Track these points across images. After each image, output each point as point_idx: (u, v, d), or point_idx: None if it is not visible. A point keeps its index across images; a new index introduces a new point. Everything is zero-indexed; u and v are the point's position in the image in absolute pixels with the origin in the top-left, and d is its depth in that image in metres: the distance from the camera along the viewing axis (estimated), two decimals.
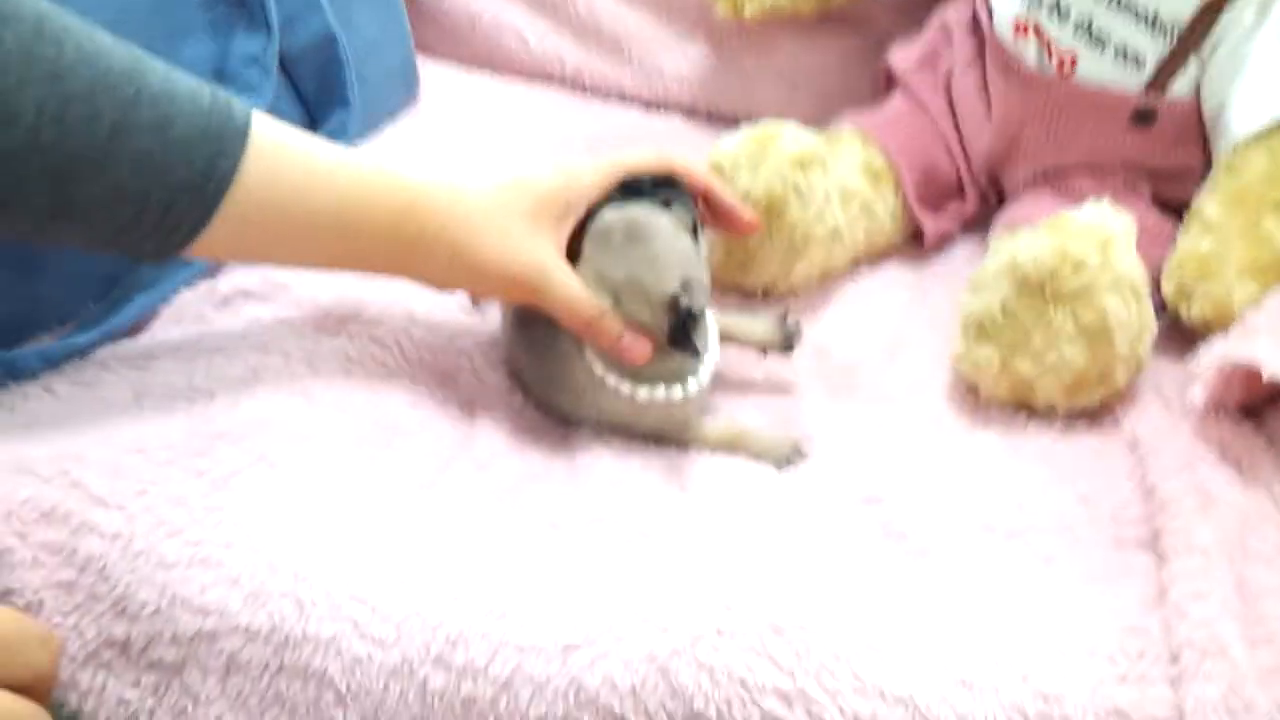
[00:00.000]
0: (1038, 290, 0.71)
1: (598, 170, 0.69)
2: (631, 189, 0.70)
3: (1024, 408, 0.75)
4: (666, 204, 0.69)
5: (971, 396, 0.77)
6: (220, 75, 0.78)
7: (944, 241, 0.94)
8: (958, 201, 0.94)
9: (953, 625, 0.58)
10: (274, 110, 0.81)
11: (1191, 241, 0.77)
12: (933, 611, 0.59)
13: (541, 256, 0.66)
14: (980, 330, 0.74)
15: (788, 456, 0.71)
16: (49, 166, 0.54)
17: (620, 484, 0.66)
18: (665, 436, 0.70)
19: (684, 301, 0.65)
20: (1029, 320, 0.72)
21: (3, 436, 0.60)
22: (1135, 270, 0.72)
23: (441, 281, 0.68)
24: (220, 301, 0.73)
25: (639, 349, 0.65)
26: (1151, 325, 0.73)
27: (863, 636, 0.56)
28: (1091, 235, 0.72)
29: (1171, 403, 0.74)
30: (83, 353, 0.70)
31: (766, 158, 0.81)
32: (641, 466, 0.68)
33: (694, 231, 0.69)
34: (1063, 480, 0.69)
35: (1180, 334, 0.78)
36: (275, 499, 0.60)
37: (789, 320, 0.76)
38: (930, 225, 0.92)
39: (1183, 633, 0.57)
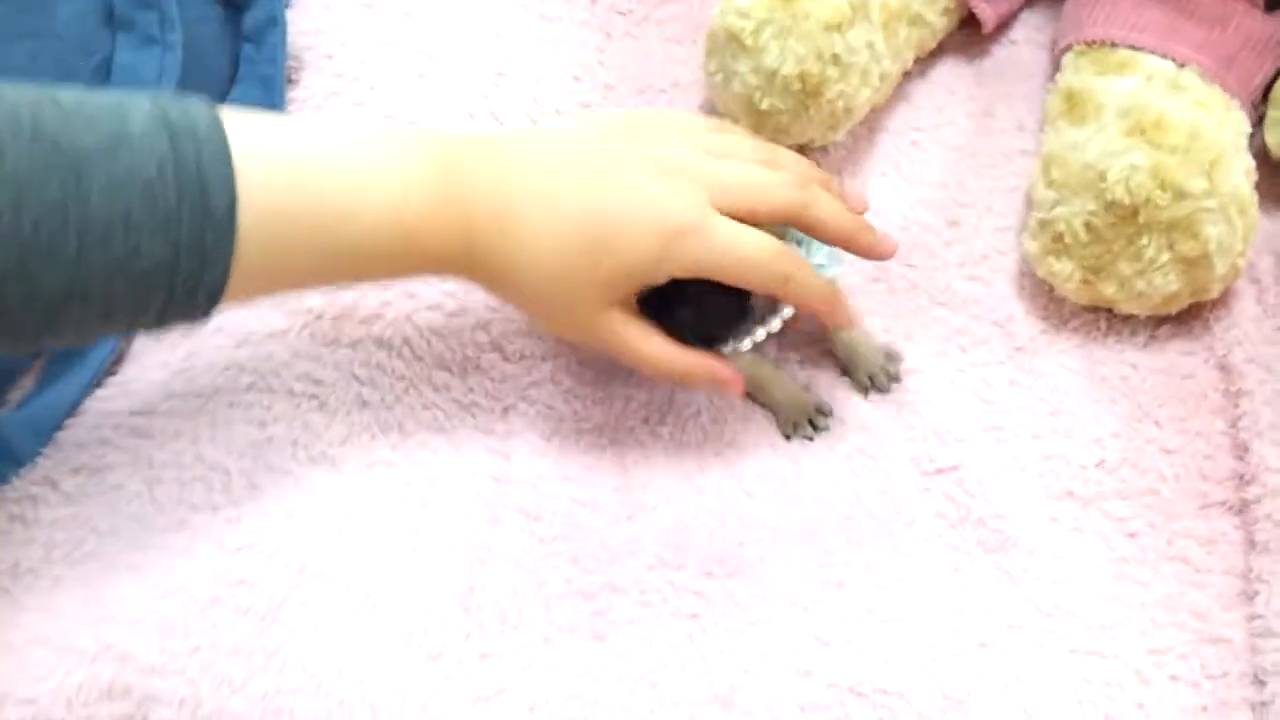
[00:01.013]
0: (1129, 215, 0.63)
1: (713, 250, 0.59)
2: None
3: (1102, 308, 0.68)
4: None
5: (1043, 287, 0.70)
6: (111, 22, 0.63)
7: (1005, 22, 0.80)
8: None
9: (1025, 649, 0.59)
10: (190, 21, 0.68)
11: None
12: (1004, 632, 0.60)
13: (613, 329, 0.60)
14: (1057, 240, 0.66)
15: (798, 422, 0.67)
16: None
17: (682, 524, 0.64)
18: None
19: None
20: (1117, 245, 0.64)
21: (31, 583, 0.57)
22: (1245, 187, 0.62)
23: None
24: None
25: (732, 390, 0.62)
26: (1255, 230, 0.64)
27: (944, 691, 0.57)
28: (1197, 151, 0.62)
29: (1268, 296, 0.67)
30: (72, 407, 0.64)
31: (794, 22, 0.67)
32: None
33: None
34: (1146, 418, 0.66)
35: None
36: (329, 624, 0.58)
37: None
38: (988, 12, 0.78)
39: (1271, 657, 0.56)
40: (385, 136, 0.59)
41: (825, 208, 0.61)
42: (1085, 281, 0.67)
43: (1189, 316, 0.68)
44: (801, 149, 0.76)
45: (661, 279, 0.59)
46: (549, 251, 0.58)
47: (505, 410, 0.68)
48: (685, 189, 0.59)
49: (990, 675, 0.57)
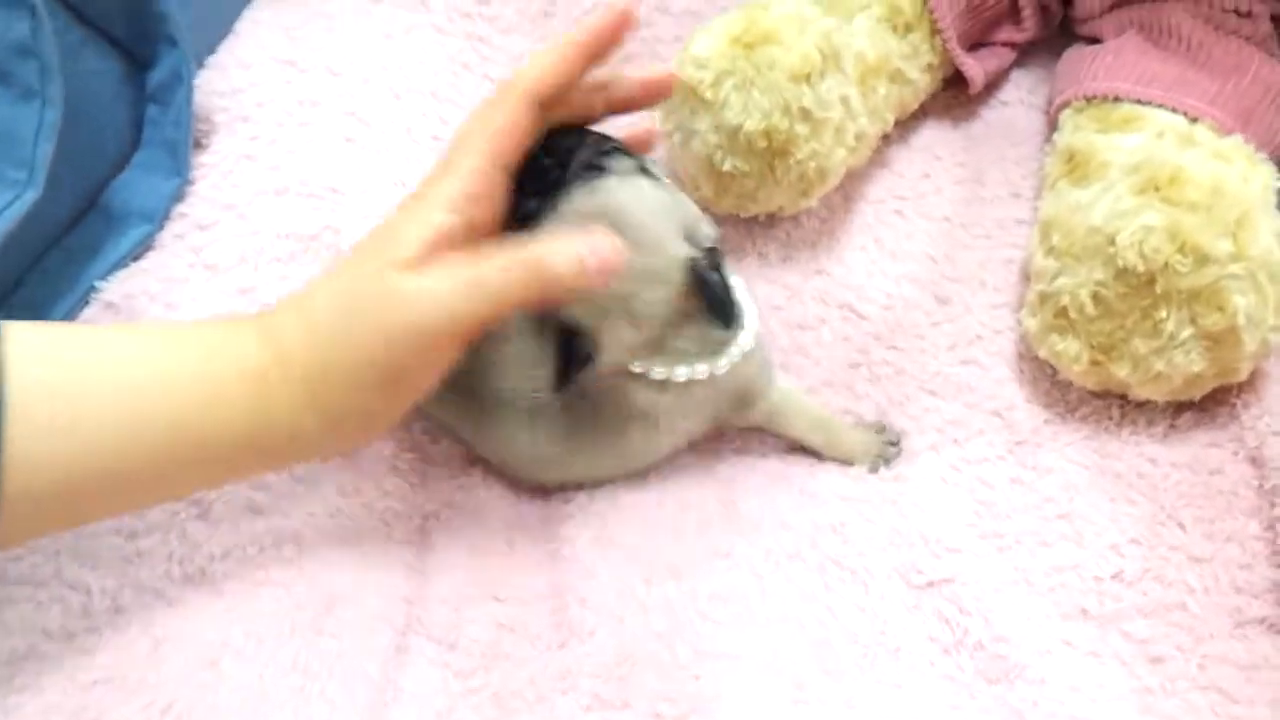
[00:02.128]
0: (1144, 284, 0.54)
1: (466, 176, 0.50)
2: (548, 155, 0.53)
3: (1114, 394, 0.60)
4: (603, 157, 0.53)
5: (1046, 371, 0.61)
6: None
7: (994, 80, 0.72)
8: (1010, 26, 0.72)
9: None
10: (83, 75, 0.60)
11: None
12: None
13: (426, 306, 0.48)
14: (1060, 316, 0.58)
15: (881, 454, 0.61)
16: None
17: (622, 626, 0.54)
18: (729, 424, 0.60)
19: (701, 258, 0.52)
20: (1131, 319, 0.56)
21: None
22: (1275, 249, 0.54)
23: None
24: None
25: (605, 252, 0.49)
26: None
27: None
28: (1220, 210, 0.54)
29: None
30: None
31: (758, 73, 0.59)
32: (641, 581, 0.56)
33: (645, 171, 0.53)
34: (1169, 520, 0.57)
35: None
36: None
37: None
38: (976, 69, 0.70)
39: None
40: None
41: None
42: (1094, 363, 0.58)
43: (1214, 402, 0.60)
44: (771, 218, 0.68)
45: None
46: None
47: (425, 518, 0.59)
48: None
49: None
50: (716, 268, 0.52)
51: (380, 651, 0.53)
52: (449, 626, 0.55)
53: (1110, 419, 0.61)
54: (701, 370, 0.55)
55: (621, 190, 0.51)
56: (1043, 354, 0.60)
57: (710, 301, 0.52)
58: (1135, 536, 0.57)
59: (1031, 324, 0.60)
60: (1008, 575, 0.56)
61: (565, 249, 0.48)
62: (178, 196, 0.66)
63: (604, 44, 0.54)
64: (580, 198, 0.51)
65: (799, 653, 0.55)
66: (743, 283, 0.57)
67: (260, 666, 0.52)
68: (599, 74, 0.55)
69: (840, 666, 0.54)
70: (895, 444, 0.61)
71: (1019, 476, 0.59)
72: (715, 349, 0.55)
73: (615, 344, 0.52)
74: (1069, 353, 0.58)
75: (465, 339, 0.49)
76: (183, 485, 0.51)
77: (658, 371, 0.54)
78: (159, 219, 0.66)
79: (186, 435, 0.47)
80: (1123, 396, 0.60)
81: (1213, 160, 0.57)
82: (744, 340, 0.55)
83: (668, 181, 0.54)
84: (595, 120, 0.55)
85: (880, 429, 0.61)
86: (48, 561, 0.54)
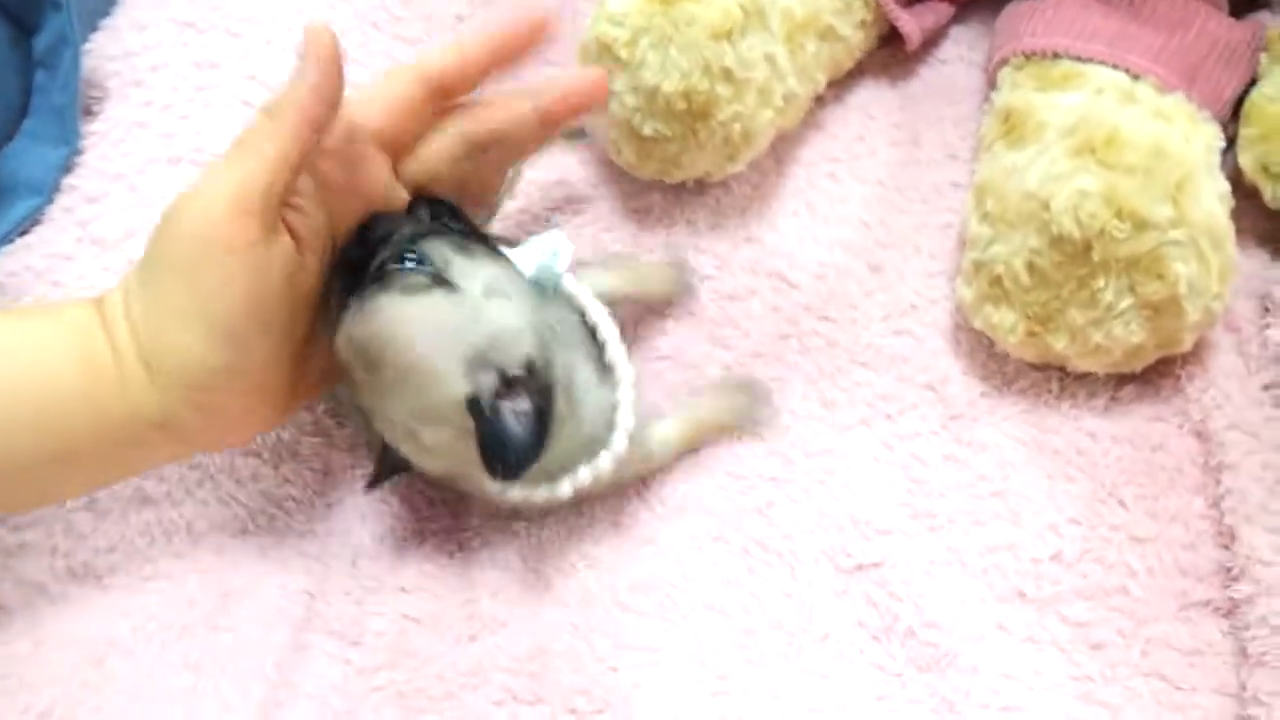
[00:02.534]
0: (1080, 252, 0.52)
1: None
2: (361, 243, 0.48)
3: (1054, 365, 0.57)
4: (401, 261, 0.47)
5: (982, 342, 0.58)
6: None
7: (933, 37, 0.69)
8: None
9: None
10: None
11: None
12: None
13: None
14: (995, 285, 0.55)
15: (751, 416, 0.57)
16: None
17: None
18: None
19: (488, 396, 0.45)
20: (1067, 289, 0.54)
21: None
22: (1218, 213, 0.52)
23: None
24: None
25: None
26: (1233, 268, 0.53)
27: None
28: (1160, 173, 0.51)
29: (1250, 346, 0.56)
30: None
31: (676, 30, 0.56)
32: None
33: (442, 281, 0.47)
34: (1109, 498, 0.54)
35: (1261, 214, 0.59)
36: None
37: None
38: (912, 25, 0.67)
39: None
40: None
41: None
42: (1030, 334, 0.55)
43: (1156, 375, 0.57)
44: (699, 183, 0.65)
45: None
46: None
47: (329, 507, 0.56)
48: None
49: None
50: (539, 391, 0.46)
51: (277, 648, 0.51)
52: (351, 621, 0.52)
53: (1049, 392, 0.58)
54: (561, 489, 0.49)
55: (396, 312, 0.45)
56: (978, 325, 0.58)
57: (484, 450, 0.45)
58: (1074, 516, 0.54)
59: (966, 293, 0.58)
60: (940, 557, 0.54)
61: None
62: (66, 167, 0.63)
63: (513, 46, 0.53)
64: (352, 320, 0.46)
65: (722, 642, 0.52)
66: (624, 357, 0.52)
67: (149, 665, 0.50)
68: (531, 81, 0.55)
69: (765, 655, 0.52)
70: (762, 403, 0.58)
71: (953, 453, 0.57)
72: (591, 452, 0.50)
73: (425, 464, 0.48)
74: (1005, 324, 0.56)
75: (252, 234, 0.45)
76: (53, 486, 0.47)
77: (513, 494, 0.49)
78: (48, 191, 0.63)
79: (33, 431, 0.44)
80: (1062, 368, 0.58)
81: (1153, 120, 0.54)
82: (603, 463, 0.50)
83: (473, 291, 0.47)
84: (528, 135, 0.54)
85: (747, 388, 0.58)
86: None
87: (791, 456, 0.57)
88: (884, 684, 0.51)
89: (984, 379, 0.59)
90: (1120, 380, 0.58)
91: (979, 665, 0.51)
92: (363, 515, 0.55)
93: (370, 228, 0.48)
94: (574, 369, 0.49)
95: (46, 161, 0.63)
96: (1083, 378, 0.58)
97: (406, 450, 0.47)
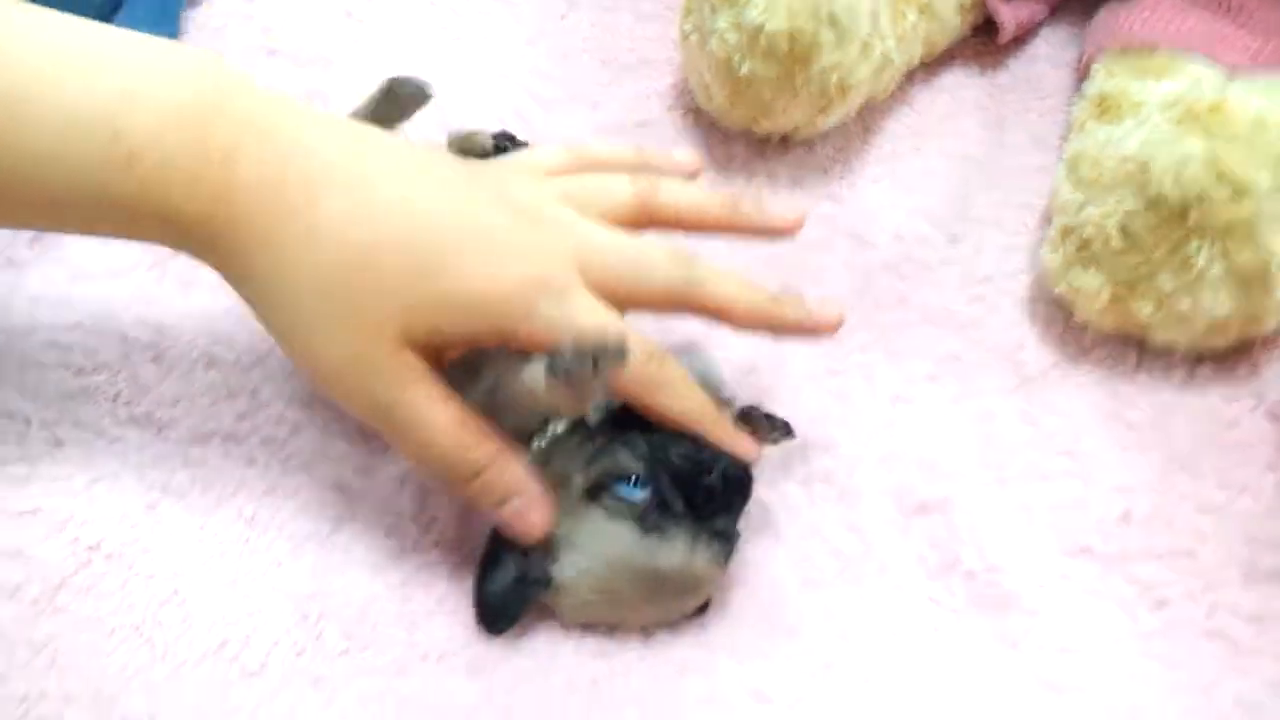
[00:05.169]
0: (1177, 215, 0.53)
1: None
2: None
3: (1133, 338, 0.58)
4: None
5: (1059, 315, 0.59)
6: None
7: (1025, 33, 0.72)
8: None
9: None
10: None
11: None
12: (998, 709, 0.48)
13: (402, 379, 0.45)
14: (1084, 248, 0.56)
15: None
16: None
17: None
18: None
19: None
20: (1159, 252, 0.55)
21: None
22: None
23: None
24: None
25: (534, 518, 0.47)
26: None
27: None
28: (1262, 143, 0.52)
29: None
30: None
31: None
32: None
33: None
34: (1182, 469, 0.55)
35: None
36: (117, 619, 0.46)
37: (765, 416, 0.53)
38: (1007, 15, 0.70)
39: None
40: (120, 35, 0.44)
41: (721, 286, 0.50)
42: (1115, 299, 0.57)
43: (1234, 357, 0.58)
44: (785, 140, 0.67)
45: (480, 337, 0.46)
46: (343, 247, 0.43)
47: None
48: (554, 240, 0.47)
49: None
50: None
51: (333, 517, 0.51)
52: (410, 497, 0.52)
53: (1126, 363, 0.59)
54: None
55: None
56: (1060, 291, 0.59)
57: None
58: (1145, 480, 0.55)
59: (1051, 259, 0.59)
60: (1007, 507, 0.54)
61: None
62: None
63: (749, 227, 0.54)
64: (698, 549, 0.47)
65: (777, 565, 0.52)
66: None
67: (202, 514, 0.50)
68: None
69: (821, 579, 0.52)
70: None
71: (1025, 412, 0.58)
72: None
73: None
74: (1090, 288, 0.57)
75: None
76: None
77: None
78: None
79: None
80: (1140, 342, 0.59)
81: (1260, 95, 0.56)
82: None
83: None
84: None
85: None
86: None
87: (857, 401, 0.58)
88: (940, 618, 0.51)
89: (1059, 348, 0.60)
90: (1197, 359, 0.59)
91: (1039, 609, 0.51)
92: None
93: (746, 478, 0.48)
94: None
95: None
96: (1161, 354, 0.59)
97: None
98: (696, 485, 0.46)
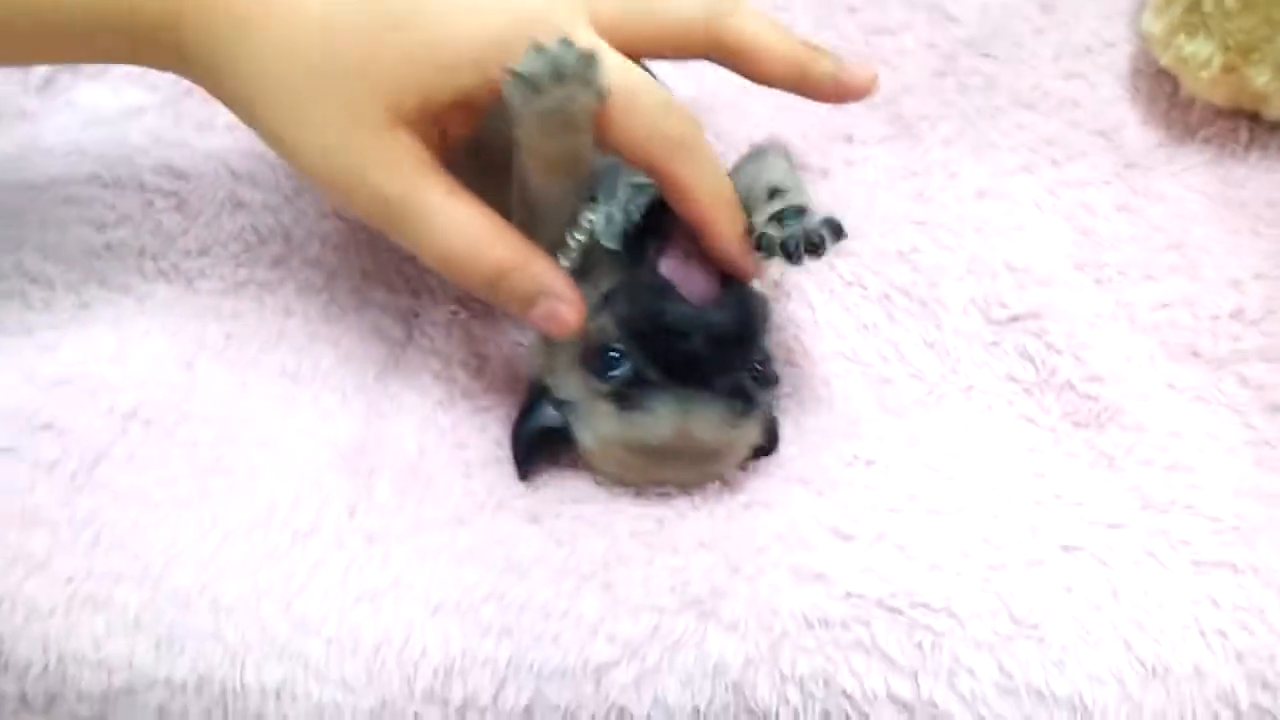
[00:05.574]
0: None
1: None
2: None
3: (1244, 113, 0.52)
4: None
5: (1164, 90, 0.53)
6: None
7: None
8: None
9: (1129, 556, 0.43)
10: None
11: None
12: (1100, 533, 0.44)
13: (400, 164, 0.41)
14: (1193, 10, 0.50)
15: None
16: None
17: None
18: None
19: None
20: (1278, 11, 0.47)
21: None
22: None
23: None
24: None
25: (566, 316, 0.42)
26: None
27: (1011, 611, 0.41)
28: None
29: None
30: None
31: None
32: None
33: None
34: None
35: None
36: (160, 490, 0.44)
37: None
38: None
39: None
40: None
41: (751, 22, 0.44)
42: (1228, 68, 0.50)
43: None
44: None
45: (475, 95, 0.40)
46: (319, 17, 0.40)
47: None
48: None
49: (1078, 590, 0.42)
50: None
51: (379, 361, 0.49)
52: (458, 343, 0.49)
53: (1236, 142, 0.53)
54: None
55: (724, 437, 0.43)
56: (1166, 61, 0.52)
57: None
58: (1260, 272, 0.50)
59: (1155, 26, 0.52)
60: (1107, 310, 0.50)
61: None
62: None
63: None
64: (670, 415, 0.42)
65: (853, 388, 0.49)
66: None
67: (242, 370, 0.48)
68: None
69: (902, 404, 0.48)
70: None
71: (1126, 203, 0.52)
72: None
73: None
74: (1199, 56, 0.51)
75: None
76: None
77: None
78: None
79: None
80: (1253, 116, 0.53)
81: None
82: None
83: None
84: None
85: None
86: (6, 254, 0.50)
87: (940, 200, 0.53)
88: (1034, 436, 0.47)
89: (1165, 127, 0.54)
90: None
91: (1144, 423, 0.47)
92: None
93: (742, 325, 0.42)
94: None
95: None
96: (1275, 129, 0.53)
97: None
98: (674, 351, 0.41)
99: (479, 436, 0.47)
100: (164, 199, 0.51)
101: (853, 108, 0.54)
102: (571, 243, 0.44)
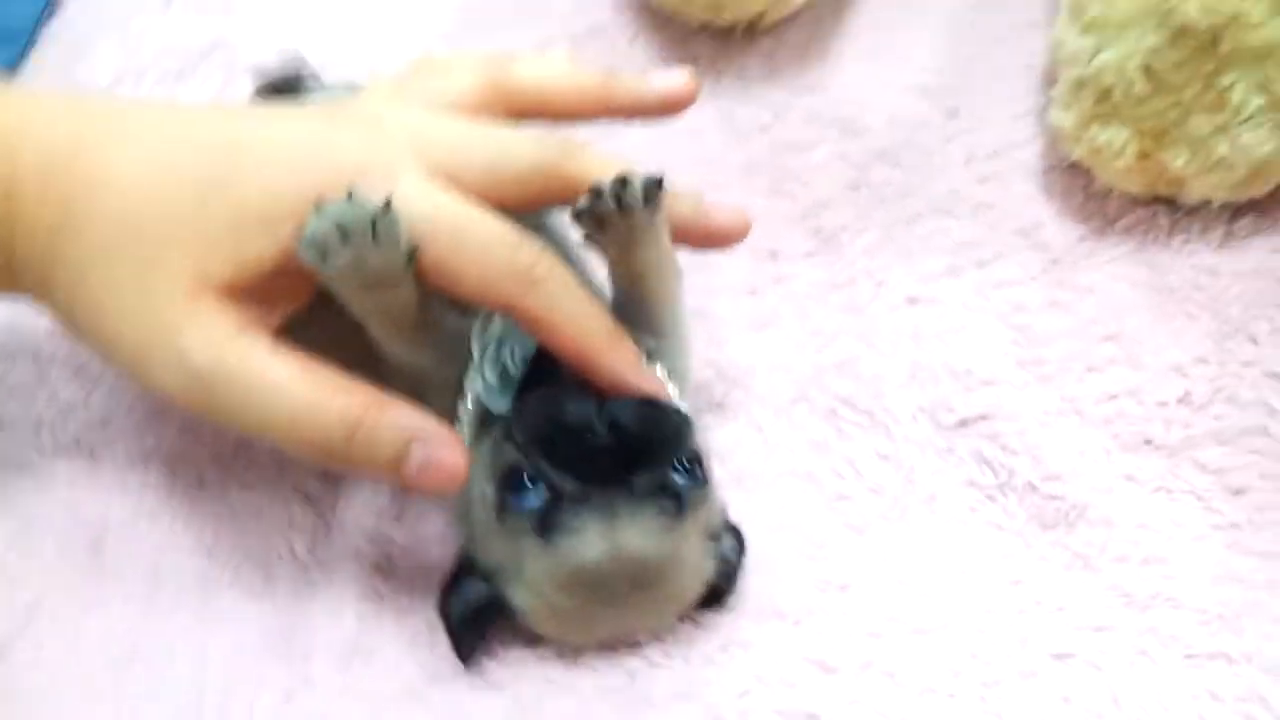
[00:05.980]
0: (1206, 46, 0.47)
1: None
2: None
3: (1161, 199, 0.52)
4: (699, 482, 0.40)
5: (1078, 183, 0.53)
6: None
7: None
8: None
9: (1121, 657, 0.42)
10: None
11: None
12: (1088, 637, 0.43)
13: (207, 335, 0.37)
14: (1103, 100, 0.50)
15: None
16: None
17: None
18: None
19: None
20: (1190, 91, 0.49)
21: None
22: None
23: None
24: None
25: (447, 459, 0.38)
26: None
27: None
28: None
29: None
30: None
31: None
32: None
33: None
34: (1238, 333, 0.51)
35: None
36: (72, 687, 0.40)
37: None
38: None
39: None
40: None
41: (597, 159, 0.41)
42: (1143, 155, 0.51)
43: (1271, 205, 0.53)
44: (750, 31, 0.60)
45: (290, 259, 0.37)
46: (132, 190, 0.38)
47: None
48: (383, 135, 0.39)
49: (1077, 700, 0.40)
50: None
51: (305, 531, 0.45)
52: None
53: (1158, 228, 0.53)
54: None
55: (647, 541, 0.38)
56: (1079, 154, 0.53)
57: None
58: (1200, 355, 0.49)
59: (1066, 120, 0.53)
60: (1054, 406, 0.49)
61: None
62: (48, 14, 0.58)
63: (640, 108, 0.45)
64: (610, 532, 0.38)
65: (814, 509, 0.47)
66: None
67: (152, 549, 0.44)
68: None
69: (865, 521, 0.46)
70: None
71: (1056, 299, 0.52)
72: None
73: None
74: (1113, 145, 0.51)
75: None
76: None
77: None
78: (25, 40, 0.57)
79: None
80: (1170, 201, 0.53)
81: None
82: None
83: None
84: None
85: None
86: None
87: (872, 309, 0.52)
88: (1005, 543, 0.46)
89: (1083, 221, 0.54)
90: (1235, 213, 0.53)
91: (1110, 518, 0.46)
92: None
93: (654, 417, 0.39)
94: None
95: (23, 11, 0.58)
96: (1194, 212, 0.53)
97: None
98: (583, 450, 0.38)
99: (425, 600, 0.43)
100: (60, 367, 0.47)
101: (773, 224, 0.54)
102: (463, 415, 0.41)
